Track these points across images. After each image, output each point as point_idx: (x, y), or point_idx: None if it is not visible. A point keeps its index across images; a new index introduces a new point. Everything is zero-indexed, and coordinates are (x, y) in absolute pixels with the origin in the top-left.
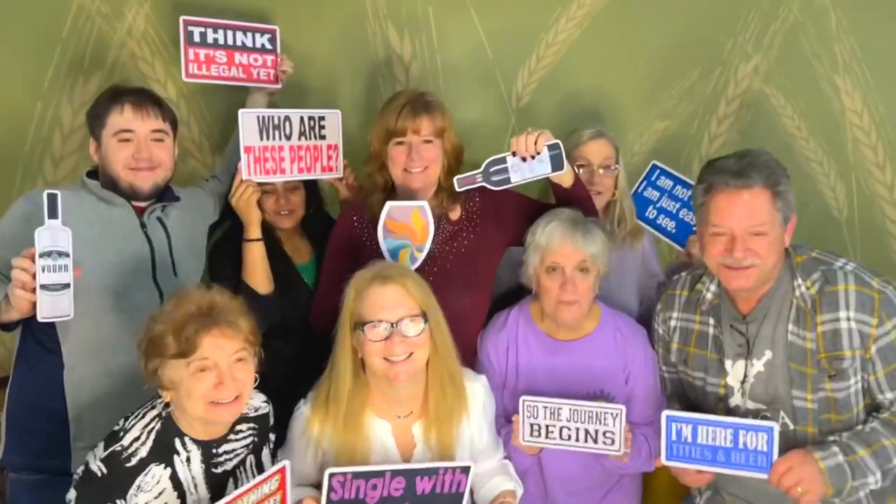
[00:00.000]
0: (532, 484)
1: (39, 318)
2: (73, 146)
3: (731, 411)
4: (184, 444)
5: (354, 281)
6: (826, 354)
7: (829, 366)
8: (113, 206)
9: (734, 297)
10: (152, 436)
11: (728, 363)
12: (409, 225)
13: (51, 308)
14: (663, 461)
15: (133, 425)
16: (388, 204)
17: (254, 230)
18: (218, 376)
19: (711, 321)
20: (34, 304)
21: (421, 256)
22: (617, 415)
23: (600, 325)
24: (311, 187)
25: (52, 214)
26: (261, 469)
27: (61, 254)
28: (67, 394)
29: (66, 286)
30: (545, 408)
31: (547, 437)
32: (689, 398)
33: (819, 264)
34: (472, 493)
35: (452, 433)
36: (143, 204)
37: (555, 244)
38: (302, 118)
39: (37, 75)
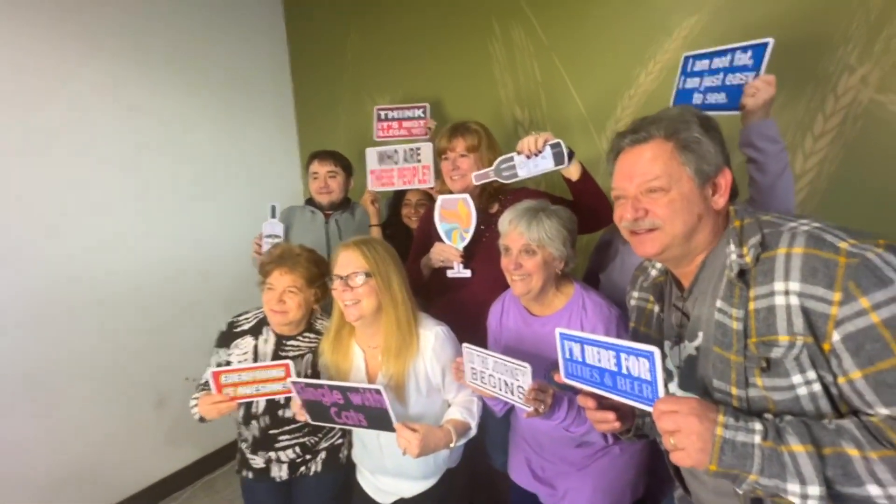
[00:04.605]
0: (518, 427)
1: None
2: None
3: None
4: (267, 331)
5: (336, 248)
6: (758, 339)
7: (757, 353)
8: (314, 213)
9: (675, 272)
10: (253, 321)
11: (667, 345)
12: (456, 212)
13: None
14: (563, 378)
15: (249, 313)
16: (441, 197)
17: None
18: (276, 295)
19: (652, 299)
20: None
21: (468, 237)
22: (524, 372)
23: (567, 305)
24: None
25: (273, 215)
26: (314, 366)
27: (272, 236)
28: None
29: None
30: (478, 356)
31: (482, 381)
32: None
33: (765, 227)
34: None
35: (403, 366)
36: (328, 212)
37: (505, 229)
38: (405, 149)
39: None
